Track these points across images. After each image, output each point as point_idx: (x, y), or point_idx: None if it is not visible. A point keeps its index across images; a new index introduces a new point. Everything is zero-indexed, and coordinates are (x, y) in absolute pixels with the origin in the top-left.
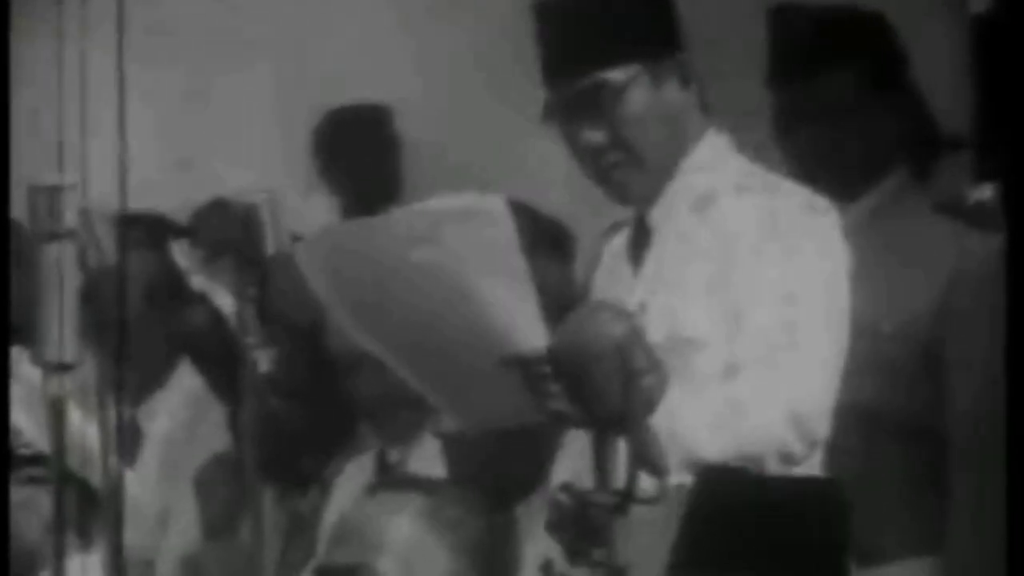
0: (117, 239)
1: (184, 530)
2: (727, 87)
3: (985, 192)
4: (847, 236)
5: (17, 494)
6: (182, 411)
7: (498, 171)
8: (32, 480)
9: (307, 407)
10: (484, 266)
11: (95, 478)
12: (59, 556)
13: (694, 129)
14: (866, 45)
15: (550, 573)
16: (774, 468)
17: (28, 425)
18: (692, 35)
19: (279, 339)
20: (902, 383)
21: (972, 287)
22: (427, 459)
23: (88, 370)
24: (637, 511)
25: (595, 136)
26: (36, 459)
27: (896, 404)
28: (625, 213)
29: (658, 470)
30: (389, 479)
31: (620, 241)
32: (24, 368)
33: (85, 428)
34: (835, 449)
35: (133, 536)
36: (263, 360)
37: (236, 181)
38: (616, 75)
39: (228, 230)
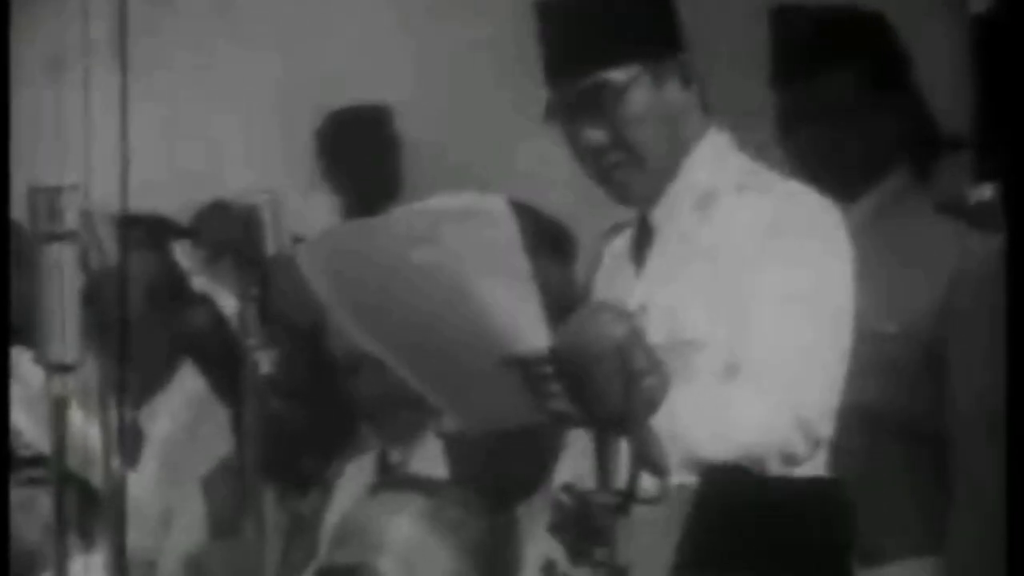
0: (118, 240)
1: (187, 531)
2: (728, 87)
3: (985, 192)
4: (848, 236)
5: (17, 495)
6: (183, 412)
7: (498, 171)
8: (32, 481)
9: (308, 408)
10: (485, 266)
11: (96, 479)
12: (61, 557)
13: (695, 129)
14: (866, 45)
15: (552, 573)
16: (776, 469)
17: (28, 426)
18: (693, 35)
19: (280, 340)
20: (904, 383)
21: (973, 287)
22: (428, 459)
23: (89, 371)
24: (639, 511)
25: (596, 136)
26: (36, 460)
27: (898, 404)
28: (626, 214)
29: (660, 470)
30: (390, 479)
31: (621, 242)
32: (25, 369)
33: (87, 429)
34: (837, 449)
35: (135, 537)
36: (264, 361)
37: (237, 182)
38: (617, 75)
39: (229, 231)
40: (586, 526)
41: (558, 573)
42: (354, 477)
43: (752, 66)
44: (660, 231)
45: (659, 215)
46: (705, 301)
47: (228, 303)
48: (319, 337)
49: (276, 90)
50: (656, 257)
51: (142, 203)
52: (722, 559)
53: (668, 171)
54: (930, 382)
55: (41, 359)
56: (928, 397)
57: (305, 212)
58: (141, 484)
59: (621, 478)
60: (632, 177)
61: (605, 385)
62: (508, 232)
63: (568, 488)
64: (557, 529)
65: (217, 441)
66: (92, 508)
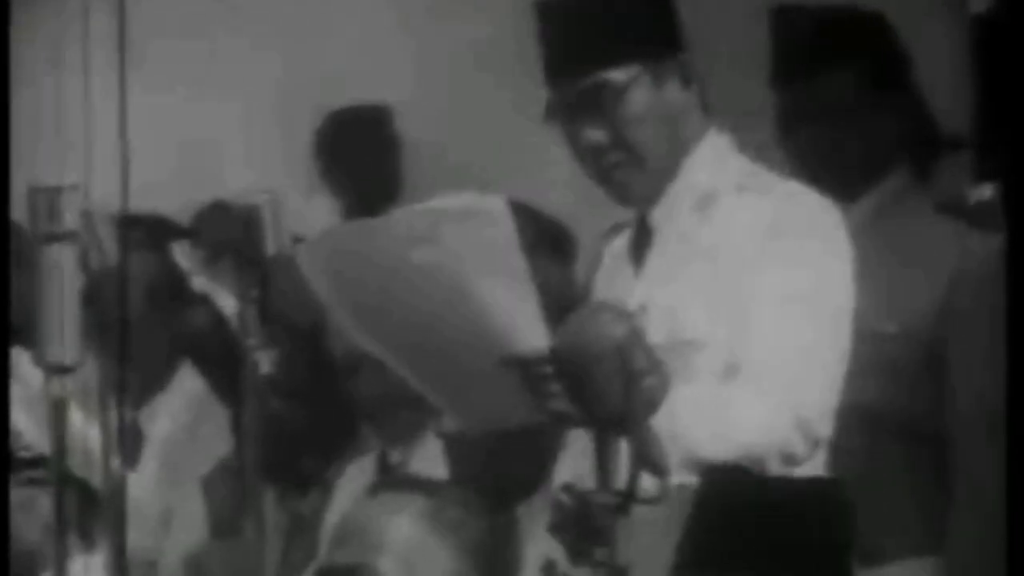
0: (118, 240)
1: (187, 531)
2: (728, 87)
3: (985, 192)
4: (848, 237)
5: (17, 495)
6: (183, 413)
7: (498, 171)
8: (32, 482)
9: (308, 408)
10: (484, 266)
11: (96, 480)
12: (61, 558)
13: (695, 129)
14: (866, 45)
15: (552, 573)
16: (776, 469)
17: (28, 427)
18: (693, 35)
19: (280, 340)
20: (904, 383)
21: (973, 287)
22: (428, 460)
23: (89, 372)
24: (639, 511)
25: (596, 136)
26: (36, 461)
27: (898, 404)
28: (626, 214)
29: (660, 470)
30: (390, 480)
31: (621, 242)
32: (25, 369)
33: (86, 430)
34: (837, 449)
35: (135, 537)
36: (264, 361)
37: (237, 182)
38: (617, 75)
39: (229, 231)
40: (586, 526)
41: (558, 573)
42: (354, 477)
43: (752, 66)
44: (660, 231)
45: (659, 215)
46: (705, 301)
47: (228, 303)
48: (319, 337)
49: (276, 90)
50: (656, 257)
51: (142, 203)
52: (722, 559)
53: (668, 171)
54: (930, 382)
55: (40, 360)
56: (928, 397)
57: (305, 212)
58: (141, 485)
59: (621, 478)
60: (632, 177)
61: (605, 385)
62: (508, 232)
63: (568, 488)
64: (557, 529)
65: (217, 441)
66: (92, 509)
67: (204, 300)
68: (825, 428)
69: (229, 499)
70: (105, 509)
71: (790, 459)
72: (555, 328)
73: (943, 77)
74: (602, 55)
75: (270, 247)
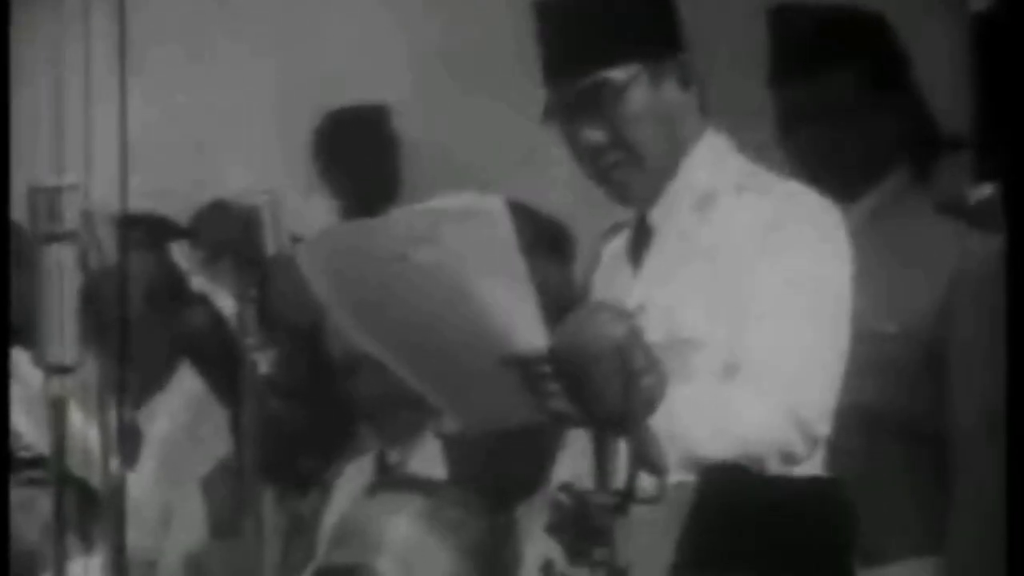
0: (118, 240)
1: (186, 531)
2: (728, 87)
3: (985, 192)
4: (848, 237)
5: (17, 496)
6: (182, 413)
7: (498, 171)
8: (32, 482)
9: (307, 408)
10: (484, 266)
11: (95, 480)
12: (60, 558)
13: (693, 129)
14: (866, 45)
15: (551, 574)
16: (775, 468)
17: (28, 427)
18: (693, 35)
19: (279, 340)
20: (904, 383)
21: (973, 287)
22: (427, 460)
23: (89, 372)
24: (637, 511)
25: (595, 135)
26: (36, 462)
27: (898, 404)
28: (625, 214)
29: (658, 470)
30: (389, 480)
31: (619, 242)
32: (24, 370)
33: (86, 430)
34: (837, 449)
35: (134, 537)
36: (263, 361)
37: (236, 182)
38: (617, 74)
39: (229, 231)
40: (585, 526)
41: (557, 573)
42: (353, 477)
43: (752, 66)
44: (659, 231)
45: (658, 215)
46: (704, 300)
47: (227, 303)
48: (318, 338)
49: (276, 90)
50: (655, 257)
51: (142, 203)
52: (721, 559)
53: (667, 171)
54: (930, 382)
55: (40, 361)
56: (928, 397)
57: (304, 212)
58: (140, 485)
59: (620, 478)
60: (631, 176)
61: (604, 385)
62: (507, 232)
63: (567, 488)
64: (555, 529)
65: (216, 441)
66: (91, 509)
67: (203, 300)
68: (824, 427)
69: (228, 499)
70: (104, 509)
71: (789, 458)
72: (554, 328)
73: (943, 77)
74: (601, 54)
75: (269, 247)
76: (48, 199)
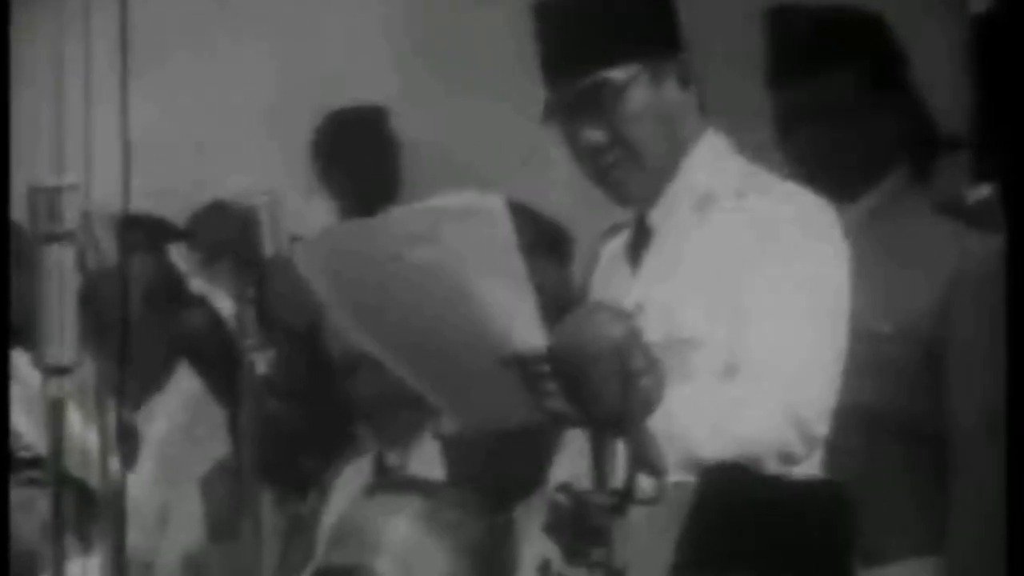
0: (118, 241)
1: (184, 532)
2: (727, 88)
3: (984, 192)
4: (847, 237)
5: (17, 496)
6: (181, 414)
7: (497, 171)
8: (32, 482)
9: (306, 409)
10: (483, 266)
11: (94, 480)
12: (59, 558)
13: (693, 129)
14: (866, 45)
15: (548, 574)
16: (774, 468)
17: (28, 428)
18: (692, 35)
19: (278, 341)
20: (903, 384)
21: (973, 287)
22: (426, 461)
23: (87, 372)
24: (636, 511)
25: (595, 135)
26: (36, 462)
27: (897, 405)
28: (625, 215)
29: (657, 470)
30: (387, 480)
31: (618, 242)
32: (24, 370)
33: (84, 431)
34: (836, 450)
35: (133, 538)
36: (261, 362)
37: (235, 183)
38: (616, 74)
39: (227, 232)
40: (583, 526)
41: (555, 573)
42: (351, 478)
43: (751, 67)
44: (658, 231)
45: (657, 215)
46: (703, 300)
47: (225, 304)
48: (316, 338)
49: (275, 90)
50: (653, 256)
51: (142, 203)
52: (721, 559)
53: (666, 171)
54: (929, 382)
55: (38, 361)
56: (927, 397)
57: (304, 213)
58: (139, 485)
59: (618, 478)
60: (630, 176)
61: (602, 385)
62: (506, 232)
63: (565, 488)
64: (553, 529)
65: (214, 442)
66: (90, 509)
67: (202, 301)
68: (823, 427)
69: (227, 500)
70: (103, 509)
71: (788, 458)
72: (552, 328)
73: (942, 77)
74: (601, 54)
75: (268, 248)
76: (48, 199)
